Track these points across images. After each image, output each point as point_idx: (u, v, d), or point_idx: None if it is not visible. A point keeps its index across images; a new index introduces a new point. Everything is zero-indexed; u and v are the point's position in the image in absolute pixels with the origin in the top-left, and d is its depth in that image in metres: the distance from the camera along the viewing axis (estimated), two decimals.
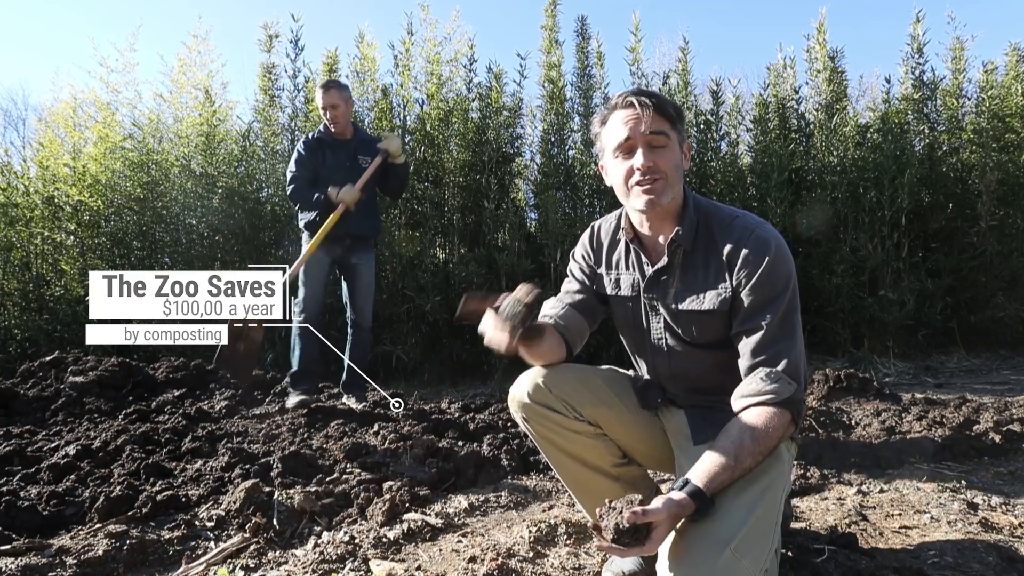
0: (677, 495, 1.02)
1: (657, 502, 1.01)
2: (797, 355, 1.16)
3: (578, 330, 1.41)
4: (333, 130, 3.30)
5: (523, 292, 1.17)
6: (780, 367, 1.13)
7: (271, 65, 5.91)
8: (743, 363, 1.18)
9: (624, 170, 1.24)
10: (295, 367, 3.29)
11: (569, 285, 1.49)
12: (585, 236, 1.49)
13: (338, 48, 6.26)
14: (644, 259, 1.34)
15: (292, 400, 3.13)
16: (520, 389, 1.34)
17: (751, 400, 1.13)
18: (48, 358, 3.57)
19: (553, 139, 6.04)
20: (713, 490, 1.04)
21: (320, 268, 3.31)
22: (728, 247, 1.22)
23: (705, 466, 1.06)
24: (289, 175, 3.32)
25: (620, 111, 1.24)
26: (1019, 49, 6.17)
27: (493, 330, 1.17)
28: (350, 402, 3.33)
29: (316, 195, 3.20)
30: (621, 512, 0.98)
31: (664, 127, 1.21)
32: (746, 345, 1.18)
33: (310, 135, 3.39)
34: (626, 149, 1.23)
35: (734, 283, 1.21)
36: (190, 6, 25.59)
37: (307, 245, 3.24)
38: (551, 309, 1.42)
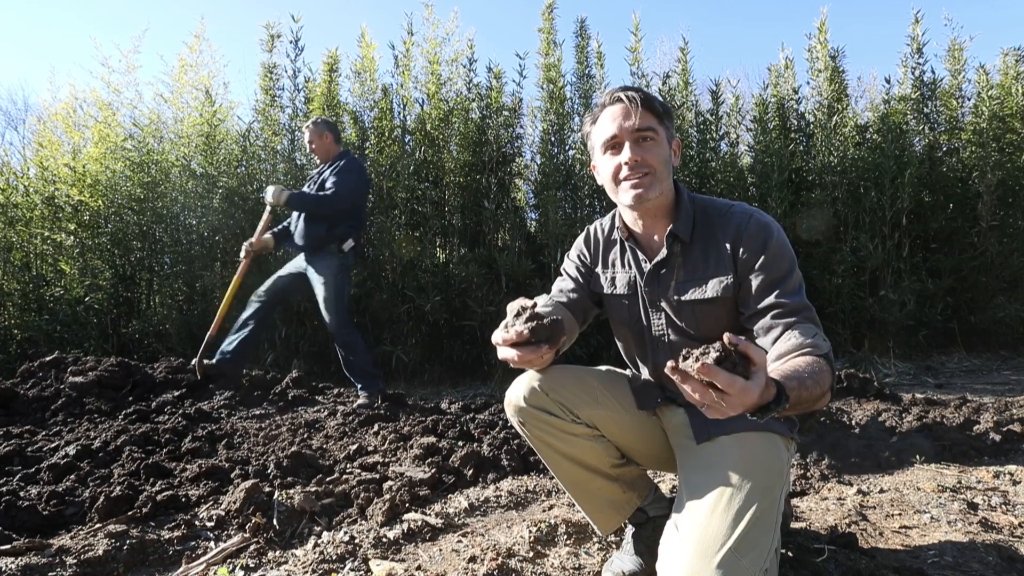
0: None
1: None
2: (819, 322, 1.14)
3: (568, 327, 1.38)
4: (319, 161, 3.74)
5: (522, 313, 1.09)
6: (810, 326, 1.11)
7: (272, 65, 5.91)
8: (769, 337, 1.13)
9: (613, 166, 1.26)
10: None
11: (562, 283, 1.49)
12: (581, 237, 1.51)
13: (338, 48, 6.27)
14: (641, 256, 1.35)
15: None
16: (516, 393, 1.34)
17: (793, 355, 1.06)
18: (48, 358, 3.56)
19: (553, 139, 6.04)
20: (787, 388, 0.91)
21: (283, 273, 3.66)
22: (730, 235, 1.23)
23: (778, 367, 0.98)
24: None
25: (608, 108, 1.27)
26: (1018, 50, 6.18)
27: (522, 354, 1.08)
28: (361, 396, 3.42)
29: None
30: (726, 341, 0.82)
31: (651, 122, 1.24)
32: (768, 319, 1.15)
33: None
34: (614, 145, 1.26)
35: (738, 268, 1.22)
36: (191, 6, 25.62)
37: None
38: (541, 307, 1.40)
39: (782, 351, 1.08)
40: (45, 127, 6.02)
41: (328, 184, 3.49)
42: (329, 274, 3.43)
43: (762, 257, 1.19)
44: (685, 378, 0.81)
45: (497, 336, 1.10)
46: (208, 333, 3.56)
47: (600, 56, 6.29)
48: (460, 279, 5.35)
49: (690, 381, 0.81)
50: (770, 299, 1.16)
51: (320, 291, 3.43)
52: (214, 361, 3.54)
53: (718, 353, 0.80)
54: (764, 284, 1.18)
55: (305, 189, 3.69)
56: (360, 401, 3.34)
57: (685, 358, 0.82)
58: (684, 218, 1.28)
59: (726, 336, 0.82)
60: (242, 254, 3.61)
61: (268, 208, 3.54)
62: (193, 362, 3.57)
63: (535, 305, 1.11)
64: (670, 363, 0.82)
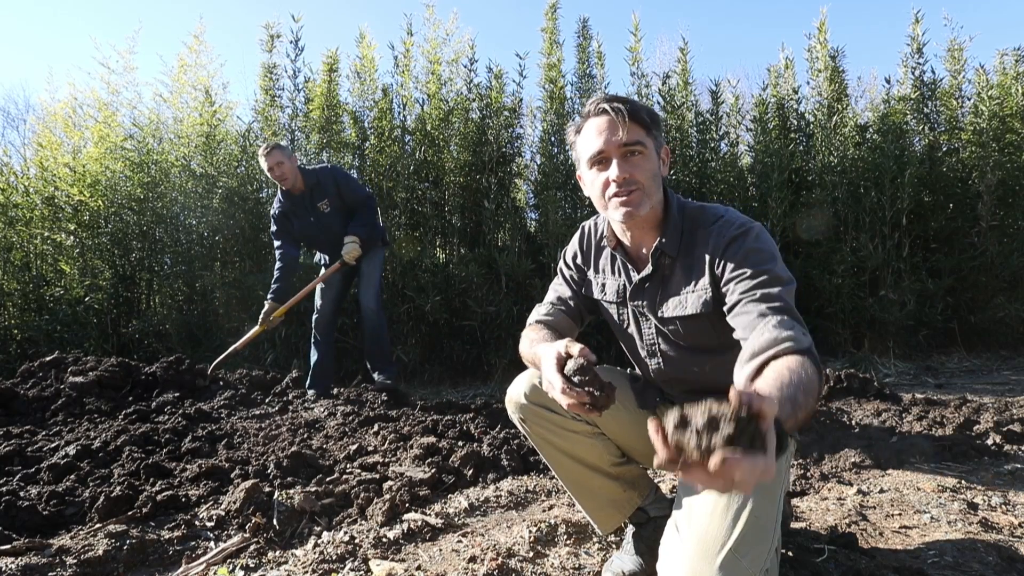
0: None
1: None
2: (799, 317, 1.05)
3: (568, 332, 1.40)
4: (285, 188, 3.66)
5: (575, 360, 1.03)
6: (787, 317, 1.02)
7: (272, 65, 5.92)
8: (743, 325, 1.06)
9: (601, 182, 1.22)
10: (311, 371, 3.77)
11: (559, 288, 1.49)
12: (575, 238, 1.48)
13: (338, 48, 6.27)
14: (630, 266, 1.34)
15: (310, 394, 3.60)
16: (517, 390, 1.34)
17: (768, 353, 0.95)
18: (48, 358, 3.56)
19: (553, 139, 6.04)
20: (784, 422, 0.76)
21: (332, 285, 3.82)
22: (710, 246, 1.20)
23: (766, 387, 0.85)
24: (273, 236, 3.83)
25: (593, 119, 1.22)
26: (1018, 50, 6.18)
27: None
28: (379, 379, 3.68)
29: (270, 292, 3.70)
30: (741, 400, 0.59)
31: (639, 135, 1.19)
32: (744, 311, 1.07)
33: (274, 206, 3.77)
34: (600, 160, 1.21)
35: (718, 273, 1.18)
36: (190, 7, 25.63)
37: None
38: (543, 313, 1.43)
39: (757, 347, 0.99)
40: (45, 127, 6.02)
41: (352, 200, 3.71)
42: (376, 264, 3.79)
43: (737, 257, 1.15)
44: (682, 463, 0.60)
45: (556, 382, 1.02)
46: (234, 346, 3.71)
47: (601, 56, 6.30)
48: (460, 279, 5.35)
49: (692, 468, 0.60)
50: (744, 293, 1.10)
51: (367, 280, 3.75)
52: (311, 390, 3.63)
53: (731, 430, 0.55)
54: (739, 279, 1.13)
55: (295, 223, 3.72)
56: (381, 381, 3.61)
57: (681, 424, 0.57)
58: (672, 232, 1.25)
59: (734, 396, 0.61)
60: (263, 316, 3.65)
61: (343, 262, 3.64)
62: (203, 365, 3.70)
63: (596, 364, 1.04)
64: (657, 425, 0.63)
